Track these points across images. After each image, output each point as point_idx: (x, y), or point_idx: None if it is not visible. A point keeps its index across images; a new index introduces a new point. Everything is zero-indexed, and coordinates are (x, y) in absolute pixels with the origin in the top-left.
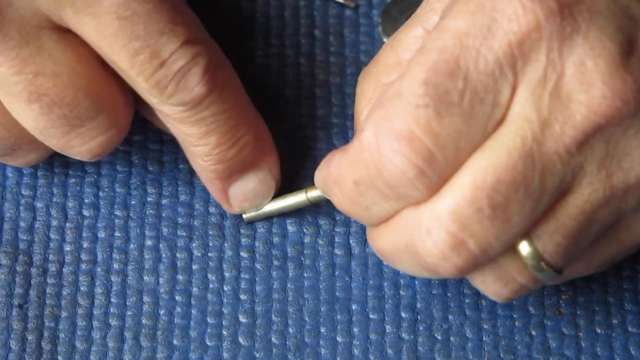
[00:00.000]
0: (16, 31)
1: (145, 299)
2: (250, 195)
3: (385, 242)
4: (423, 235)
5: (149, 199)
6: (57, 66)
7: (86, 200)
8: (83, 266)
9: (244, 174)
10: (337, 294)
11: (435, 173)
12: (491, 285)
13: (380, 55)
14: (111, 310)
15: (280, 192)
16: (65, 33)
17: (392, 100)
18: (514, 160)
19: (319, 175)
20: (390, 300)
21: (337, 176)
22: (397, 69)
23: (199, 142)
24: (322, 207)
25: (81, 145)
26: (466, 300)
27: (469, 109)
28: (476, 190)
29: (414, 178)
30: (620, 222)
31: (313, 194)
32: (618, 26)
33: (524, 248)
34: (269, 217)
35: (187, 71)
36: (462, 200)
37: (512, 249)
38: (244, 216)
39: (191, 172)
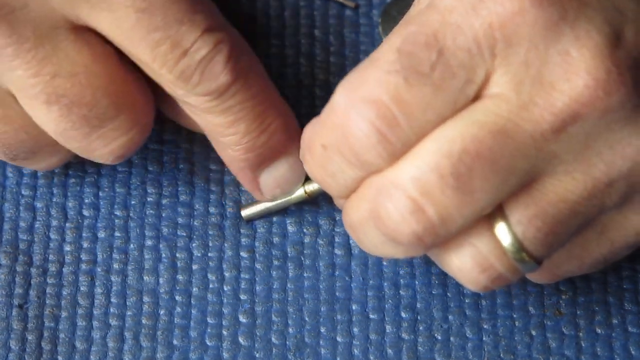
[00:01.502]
0: (31, 32)
1: (145, 299)
2: (281, 181)
3: (353, 212)
4: (385, 200)
5: (149, 199)
6: (74, 66)
7: (86, 200)
8: (83, 266)
9: (275, 160)
10: (337, 294)
11: (399, 140)
12: (469, 272)
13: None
14: (111, 310)
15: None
16: (81, 32)
17: (366, 65)
18: (484, 134)
19: (300, 144)
20: (390, 300)
21: (308, 140)
22: None
23: (228, 131)
24: (322, 207)
25: (103, 147)
26: (466, 300)
27: (439, 82)
28: (441, 158)
29: (376, 143)
30: (607, 219)
31: (310, 187)
32: (606, 18)
33: (503, 232)
34: (268, 215)
35: (211, 59)
36: (426, 167)
37: (490, 233)
38: (243, 214)
39: (191, 172)
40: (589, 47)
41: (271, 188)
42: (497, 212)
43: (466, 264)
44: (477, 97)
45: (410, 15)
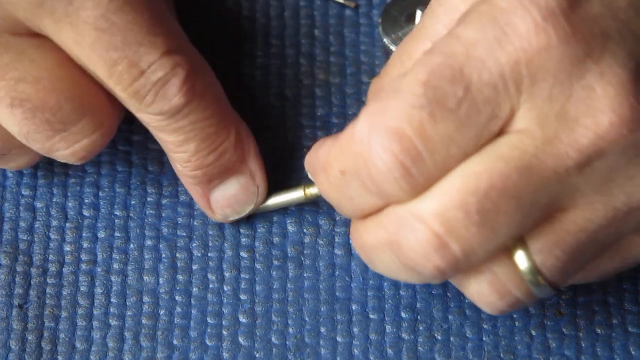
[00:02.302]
0: None
1: (145, 299)
2: (232, 200)
3: (368, 236)
4: (408, 233)
5: (149, 199)
6: (38, 71)
7: (86, 200)
8: (83, 266)
9: (225, 179)
10: (337, 294)
11: (422, 175)
12: (487, 296)
13: (390, 69)
14: (111, 310)
15: (279, 191)
16: (45, 38)
17: (390, 95)
18: (510, 170)
19: (308, 158)
20: (390, 300)
21: (324, 162)
22: None
23: (178, 149)
24: (322, 207)
25: (65, 149)
26: (466, 300)
27: (464, 118)
28: (467, 195)
29: (399, 177)
30: (621, 241)
31: (311, 190)
32: (629, 52)
33: (522, 261)
34: (267, 212)
35: (166, 82)
36: (451, 203)
37: (510, 261)
38: None
39: None
40: (613, 84)
41: (221, 207)
42: (516, 240)
43: (484, 289)
44: (500, 131)
45: (435, 44)
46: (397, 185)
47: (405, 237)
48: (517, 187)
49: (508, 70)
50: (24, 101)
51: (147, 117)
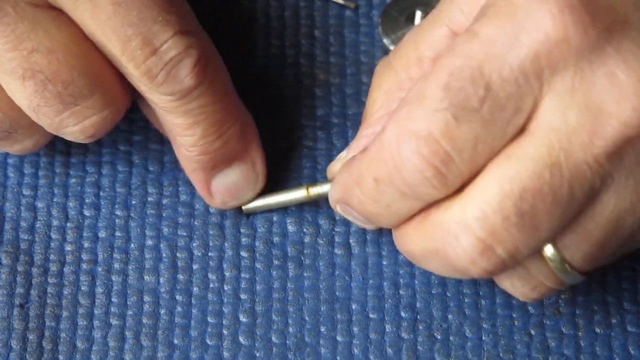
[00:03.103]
0: (11, 8)
1: (146, 298)
2: (232, 188)
3: (414, 245)
4: (452, 241)
5: (149, 199)
6: (52, 43)
7: (87, 200)
8: (84, 266)
9: (227, 166)
10: (337, 293)
11: (453, 174)
12: (520, 288)
13: (402, 49)
14: (112, 309)
15: (281, 190)
16: (60, 11)
17: (414, 101)
18: (540, 169)
19: (336, 186)
20: (390, 300)
21: (357, 176)
22: (417, 65)
23: (186, 132)
24: (322, 207)
25: (74, 125)
26: (465, 300)
27: (488, 116)
28: (503, 199)
29: (431, 177)
30: None
31: (314, 191)
32: None
33: (553, 257)
34: (268, 211)
35: (179, 62)
36: (490, 208)
37: (540, 256)
38: (243, 207)
39: None
40: (636, 69)
41: (222, 193)
42: None
43: (517, 282)
44: (525, 125)
45: (455, 43)
46: (430, 185)
47: (450, 244)
48: (550, 184)
49: (528, 64)
50: (37, 72)
51: (157, 98)
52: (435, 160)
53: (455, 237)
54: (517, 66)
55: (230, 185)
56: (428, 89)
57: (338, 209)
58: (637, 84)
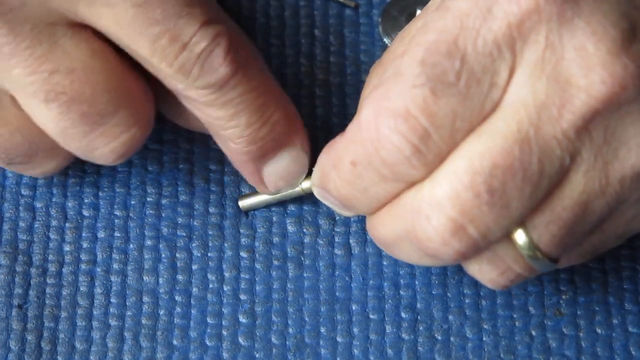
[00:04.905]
0: (29, 30)
1: (145, 299)
2: (284, 173)
3: (386, 229)
4: (423, 221)
5: (148, 199)
6: (72, 62)
7: (86, 200)
8: (83, 266)
9: (277, 153)
10: (337, 294)
11: (431, 151)
12: (488, 273)
13: (391, 46)
14: (111, 310)
15: None
16: (78, 28)
17: (390, 79)
18: (510, 145)
19: (315, 171)
20: (390, 300)
21: (334, 158)
22: None
23: (229, 124)
24: (322, 207)
25: (105, 146)
26: (466, 301)
27: (465, 90)
28: (473, 175)
29: (410, 155)
30: (616, 212)
31: (306, 184)
32: (622, 12)
33: (520, 238)
34: (266, 207)
35: (210, 52)
36: (460, 185)
37: (507, 238)
38: (240, 204)
39: (191, 173)
40: (605, 42)
41: (274, 180)
42: None
43: (485, 266)
44: (500, 99)
45: (427, 20)
46: (410, 164)
47: (421, 225)
48: (520, 160)
49: (501, 35)
50: (60, 94)
51: (195, 93)
52: (414, 138)
53: (426, 218)
54: (490, 39)
55: (282, 172)
56: (404, 66)
57: (316, 193)
58: (605, 57)
